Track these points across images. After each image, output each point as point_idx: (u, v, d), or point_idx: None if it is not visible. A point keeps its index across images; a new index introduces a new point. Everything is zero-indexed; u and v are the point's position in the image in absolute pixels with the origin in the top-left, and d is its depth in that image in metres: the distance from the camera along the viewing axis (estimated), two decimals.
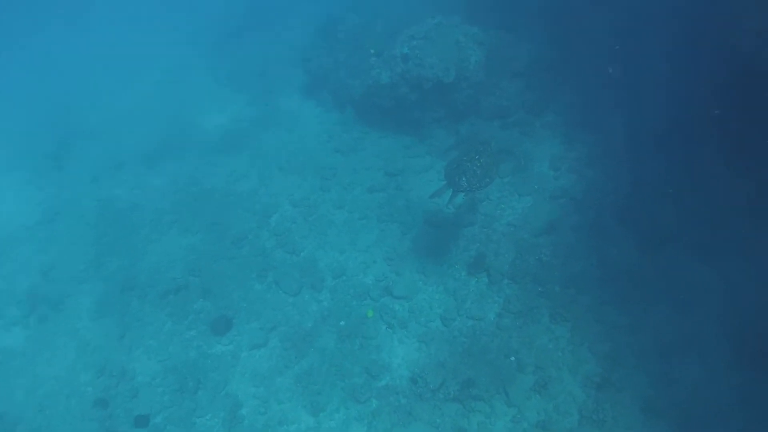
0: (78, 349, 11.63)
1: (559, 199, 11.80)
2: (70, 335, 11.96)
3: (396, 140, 14.58)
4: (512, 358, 9.66)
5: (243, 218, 13.26)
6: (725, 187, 9.95)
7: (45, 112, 20.12)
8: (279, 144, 15.58)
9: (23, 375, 11.50)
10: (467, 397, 9.38)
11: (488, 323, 10.24)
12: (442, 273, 11.27)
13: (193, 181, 14.67)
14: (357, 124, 15.49)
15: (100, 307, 12.18)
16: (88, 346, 11.63)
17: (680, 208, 10.48)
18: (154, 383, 10.78)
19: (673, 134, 10.97)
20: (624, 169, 11.63)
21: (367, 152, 14.51)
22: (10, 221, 15.29)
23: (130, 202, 14.48)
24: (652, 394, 8.82)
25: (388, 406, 9.64)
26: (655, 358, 9.18)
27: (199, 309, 11.69)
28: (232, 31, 22.78)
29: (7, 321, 12.57)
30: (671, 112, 10.90)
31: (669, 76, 10.80)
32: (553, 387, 9.25)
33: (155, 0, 26.71)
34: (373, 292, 11.23)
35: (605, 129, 12.37)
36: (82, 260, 13.24)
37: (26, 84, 22.85)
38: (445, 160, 12.25)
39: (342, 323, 10.89)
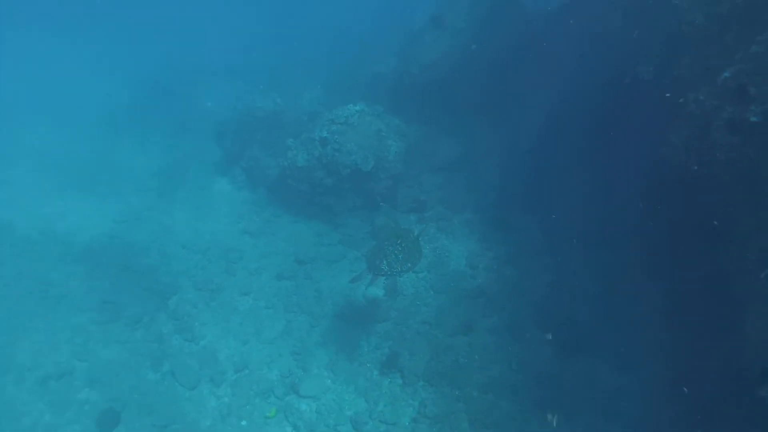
0: None
1: (476, 299, 11.51)
2: None
3: (309, 226, 14.09)
4: None
5: (140, 297, 12.05)
6: (640, 292, 10.00)
7: None
8: (184, 220, 14.67)
9: None
10: None
11: (403, 429, 9.53)
12: (352, 371, 10.57)
13: (88, 252, 13.34)
14: (269, 205, 14.92)
15: None
16: None
17: (596, 312, 10.42)
18: None
19: (593, 238, 11.07)
20: (541, 270, 11.55)
21: (278, 236, 13.91)
22: None
23: (15, 271, 12.92)
24: None
25: None
26: None
27: (84, 399, 10.23)
28: (150, 93, 22.34)
29: None
30: (590, 216, 11.03)
31: (590, 182, 10.97)
32: None
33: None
34: (278, 390, 10.33)
35: (524, 229, 12.38)
36: None
37: None
38: (359, 250, 11.85)
39: (243, 423, 9.87)
